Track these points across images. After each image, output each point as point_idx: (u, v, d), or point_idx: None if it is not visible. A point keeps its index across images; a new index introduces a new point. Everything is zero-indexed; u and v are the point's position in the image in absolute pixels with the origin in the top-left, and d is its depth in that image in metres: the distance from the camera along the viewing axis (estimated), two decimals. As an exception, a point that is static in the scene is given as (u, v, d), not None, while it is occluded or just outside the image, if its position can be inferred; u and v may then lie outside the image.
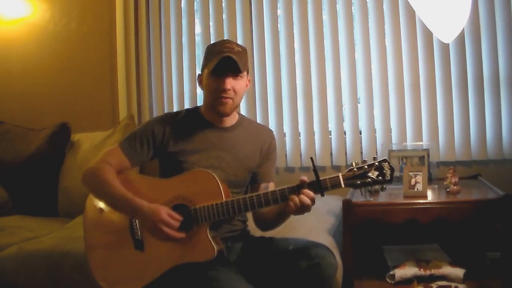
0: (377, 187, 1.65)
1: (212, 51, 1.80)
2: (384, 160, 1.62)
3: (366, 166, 1.61)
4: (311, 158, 1.66)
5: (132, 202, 1.69)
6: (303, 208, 1.60)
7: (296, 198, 1.59)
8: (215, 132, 1.85)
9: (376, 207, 2.14)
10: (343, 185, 1.61)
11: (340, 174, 1.61)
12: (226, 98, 1.77)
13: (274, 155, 1.96)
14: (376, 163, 1.61)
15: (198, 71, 1.92)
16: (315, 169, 1.64)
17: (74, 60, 3.28)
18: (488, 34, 2.70)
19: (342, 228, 2.14)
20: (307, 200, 1.59)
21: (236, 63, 1.74)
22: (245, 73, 1.82)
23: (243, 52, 1.81)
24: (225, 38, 3.01)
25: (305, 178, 1.62)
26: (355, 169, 1.62)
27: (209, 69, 1.77)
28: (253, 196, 1.66)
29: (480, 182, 2.59)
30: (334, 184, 1.61)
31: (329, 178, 1.61)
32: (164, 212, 1.65)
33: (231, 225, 1.81)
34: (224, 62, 1.74)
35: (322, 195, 1.61)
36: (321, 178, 1.61)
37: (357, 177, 1.61)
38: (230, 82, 1.76)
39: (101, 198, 1.79)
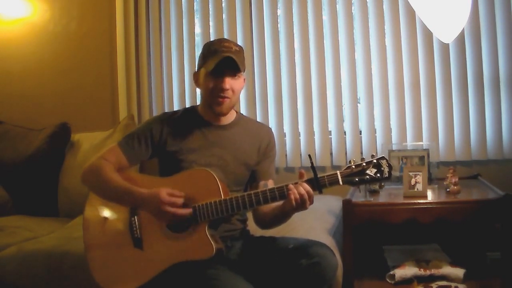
0: (376, 186, 1.65)
1: (210, 50, 1.79)
2: (382, 158, 1.62)
3: (364, 164, 1.61)
4: (309, 155, 1.66)
5: (131, 191, 1.70)
6: (301, 201, 1.59)
7: (294, 189, 1.59)
8: (213, 130, 1.85)
9: (376, 207, 2.14)
10: (341, 182, 1.60)
11: (338, 172, 1.61)
12: (224, 97, 1.78)
13: (273, 153, 1.96)
14: (374, 161, 1.61)
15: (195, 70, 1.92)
16: (313, 166, 1.63)
17: (74, 60, 3.28)
18: (488, 34, 2.70)
19: (342, 228, 2.13)
20: (302, 191, 1.58)
21: (235, 62, 1.75)
22: (242, 72, 1.82)
23: (241, 51, 1.82)
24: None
25: (302, 170, 1.63)
26: (353, 166, 1.61)
27: (208, 69, 1.77)
28: (252, 194, 1.66)
29: (480, 182, 2.58)
30: (332, 181, 1.60)
31: (327, 176, 1.61)
32: (165, 192, 1.65)
33: (230, 224, 1.82)
34: (223, 62, 1.74)
35: (320, 192, 1.61)
36: (319, 176, 1.61)
37: (355, 175, 1.61)
38: (228, 82, 1.77)
39: (101, 193, 1.79)
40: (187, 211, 1.65)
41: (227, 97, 1.79)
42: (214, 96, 1.78)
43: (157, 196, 1.64)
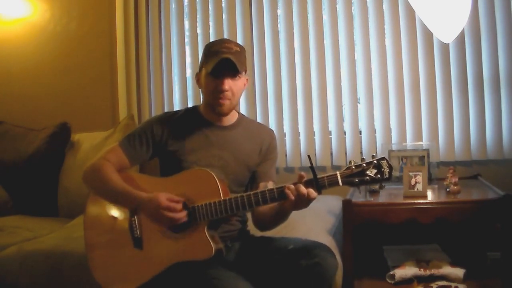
0: (376, 186, 1.64)
1: (211, 51, 1.79)
2: (383, 158, 1.60)
3: (364, 164, 1.59)
4: (308, 156, 1.65)
5: (131, 194, 1.70)
6: (300, 199, 1.58)
7: (292, 187, 1.59)
8: (215, 131, 1.85)
9: (376, 207, 2.14)
10: (340, 183, 1.59)
11: (338, 172, 1.60)
12: (224, 99, 1.78)
13: (274, 155, 1.95)
14: (375, 161, 1.59)
15: (197, 70, 1.92)
16: (312, 167, 1.62)
17: (74, 60, 3.28)
18: (488, 34, 2.70)
19: (342, 228, 2.13)
20: (303, 190, 1.58)
21: (234, 64, 1.74)
22: (243, 73, 1.82)
23: (242, 51, 1.81)
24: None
25: (302, 173, 1.62)
26: (353, 167, 1.60)
27: (207, 70, 1.77)
28: (251, 194, 1.65)
29: (480, 182, 2.58)
30: (332, 182, 1.59)
31: (326, 176, 1.60)
32: (164, 197, 1.65)
33: (230, 225, 1.81)
34: (222, 63, 1.74)
35: (319, 193, 1.60)
36: (318, 176, 1.60)
37: (355, 175, 1.59)
38: (228, 83, 1.77)
39: (101, 193, 1.79)
40: (183, 214, 1.65)
41: (227, 99, 1.78)
42: (215, 97, 1.78)
43: (155, 200, 1.64)
